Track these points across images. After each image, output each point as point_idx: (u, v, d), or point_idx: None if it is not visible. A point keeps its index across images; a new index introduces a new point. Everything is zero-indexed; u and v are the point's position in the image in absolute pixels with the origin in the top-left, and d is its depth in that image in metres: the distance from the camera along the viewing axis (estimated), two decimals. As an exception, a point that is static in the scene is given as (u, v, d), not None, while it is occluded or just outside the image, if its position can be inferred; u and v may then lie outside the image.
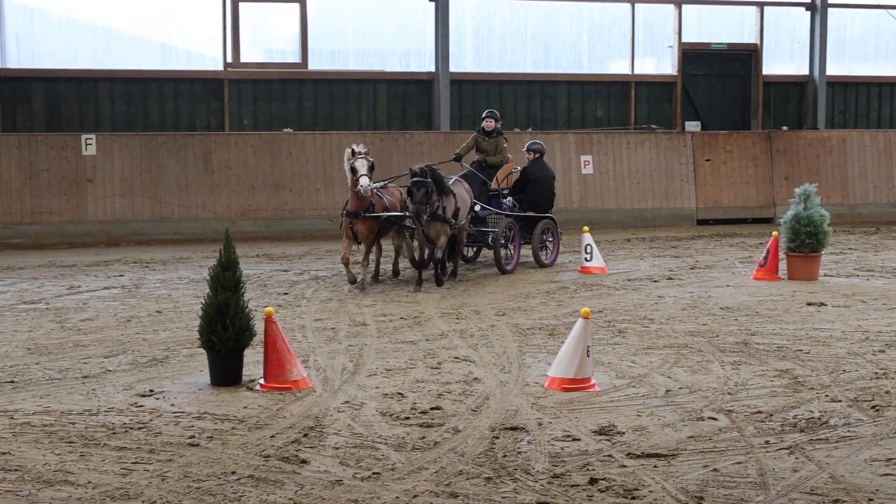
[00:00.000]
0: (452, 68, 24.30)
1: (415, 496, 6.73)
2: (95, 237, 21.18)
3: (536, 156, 17.04)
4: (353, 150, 14.55)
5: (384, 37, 24.59)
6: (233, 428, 8.27)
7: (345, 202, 15.20)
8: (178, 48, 23.67)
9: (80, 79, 22.82)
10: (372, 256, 15.55)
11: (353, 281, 14.79)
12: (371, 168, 14.53)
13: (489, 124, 17.10)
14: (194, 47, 23.67)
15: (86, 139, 21.57)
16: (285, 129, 23.25)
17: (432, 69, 24.33)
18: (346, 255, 14.80)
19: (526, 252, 17.39)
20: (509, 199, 16.91)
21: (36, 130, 22.38)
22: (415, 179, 14.27)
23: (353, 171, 14.45)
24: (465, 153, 17.20)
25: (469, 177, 16.45)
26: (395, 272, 16.06)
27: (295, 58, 23.92)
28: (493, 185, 16.99)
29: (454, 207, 14.94)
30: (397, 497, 6.72)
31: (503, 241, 16.22)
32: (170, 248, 20.23)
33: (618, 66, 26.00)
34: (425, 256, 15.11)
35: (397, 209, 15.21)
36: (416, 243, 15.61)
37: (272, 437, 8.02)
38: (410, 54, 24.64)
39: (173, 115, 23.32)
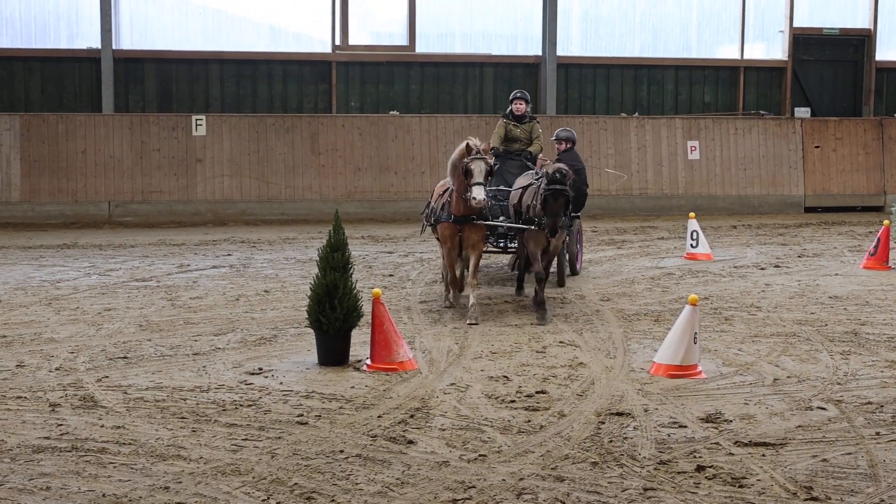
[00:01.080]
0: (559, 52, 24.17)
1: (521, 479, 6.75)
2: (204, 216, 21.57)
3: (568, 145, 14.50)
4: (468, 144, 11.55)
5: (491, 20, 24.55)
6: (340, 407, 8.38)
7: (436, 202, 12.45)
8: (287, 30, 23.94)
9: (191, 60, 23.23)
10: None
11: (451, 306, 12.39)
12: (489, 174, 11.61)
13: (519, 107, 14.51)
14: (303, 30, 23.91)
15: (196, 120, 21.97)
16: (391, 112, 23.38)
17: (539, 53, 24.24)
18: (455, 273, 12.34)
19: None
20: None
21: (148, 111, 22.87)
22: (553, 188, 11.33)
23: (468, 173, 11.47)
24: (499, 144, 14.50)
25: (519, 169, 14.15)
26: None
27: (402, 41, 24.02)
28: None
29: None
30: (504, 479, 6.74)
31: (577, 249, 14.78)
32: (276, 229, 20.51)
33: (727, 51, 25.59)
34: (523, 267, 13.25)
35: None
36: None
37: (379, 417, 8.10)
38: (517, 38, 24.56)
39: (281, 96, 23.62)
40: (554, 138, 14.62)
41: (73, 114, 22.03)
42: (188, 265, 15.93)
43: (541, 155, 14.04)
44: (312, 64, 23.70)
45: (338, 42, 23.73)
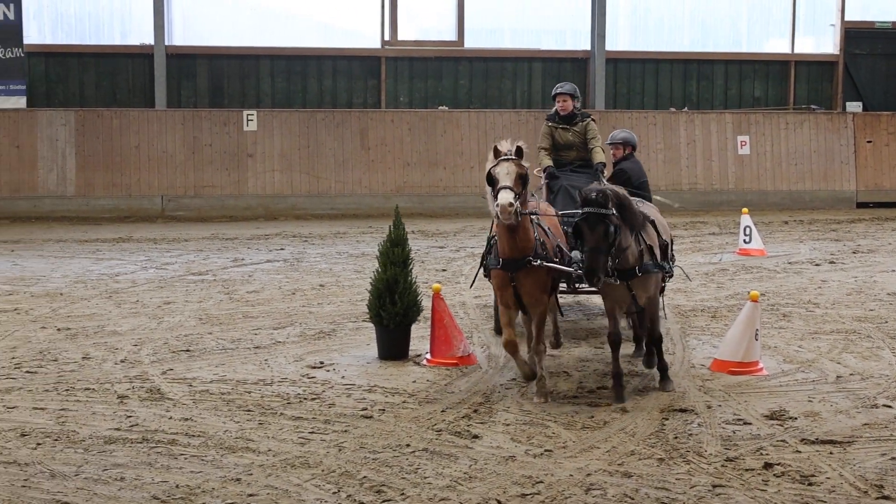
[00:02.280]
0: (608, 46, 24.11)
1: (588, 475, 6.78)
2: (255, 211, 21.73)
3: (628, 151, 11.55)
4: (496, 147, 8.62)
5: (540, 15, 24.53)
6: (403, 401, 8.44)
7: (487, 241, 9.38)
8: (337, 26, 24.05)
9: (242, 56, 23.40)
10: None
11: (530, 376, 8.92)
12: (522, 179, 8.42)
13: (565, 105, 11.43)
14: (353, 25, 24.01)
15: (247, 115, 22.14)
16: (441, 107, 23.44)
17: (588, 47, 24.20)
18: (512, 334, 8.78)
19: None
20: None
21: (200, 106, 23.05)
22: (587, 210, 8.11)
23: (492, 180, 8.44)
24: (549, 157, 11.52)
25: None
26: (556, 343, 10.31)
27: (451, 36, 24.08)
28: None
29: (660, 243, 9.01)
30: (571, 475, 6.78)
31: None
32: (326, 223, 20.62)
33: (777, 45, 25.42)
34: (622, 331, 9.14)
35: (560, 236, 9.32)
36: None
37: (443, 411, 8.16)
38: (566, 32, 24.53)
39: (331, 92, 23.74)
40: (609, 142, 11.57)
41: (127, 109, 22.28)
42: (242, 259, 16.06)
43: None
44: (362, 59, 23.80)
45: (387, 37, 23.82)
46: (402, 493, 6.50)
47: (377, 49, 23.78)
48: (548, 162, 11.36)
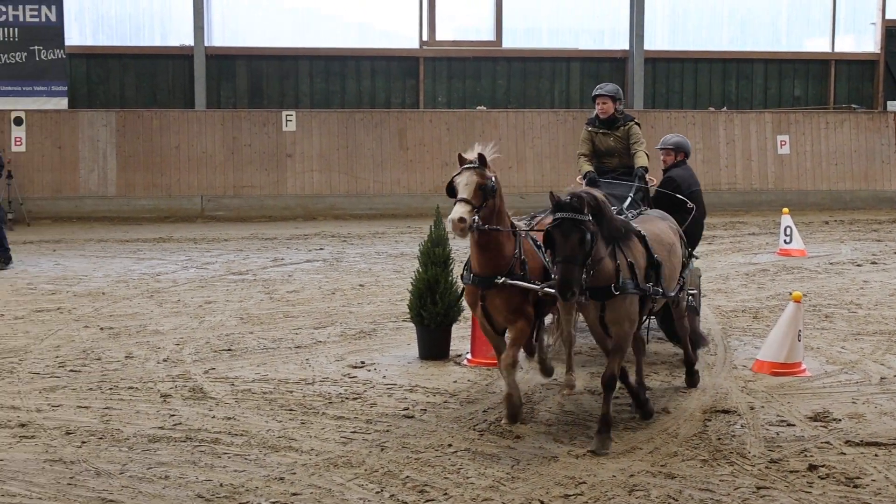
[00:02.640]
0: (646, 46, 24.04)
1: (631, 475, 6.76)
2: (294, 211, 21.82)
3: (681, 157, 10.44)
4: (460, 155, 7.92)
5: (578, 14, 24.48)
6: (445, 401, 8.45)
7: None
8: (375, 27, 24.12)
9: (281, 57, 23.51)
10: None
11: (514, 412, 7.89)
12: (484, 190, 7.62)
13: (605, 108, 10.42)
14: (391, 26, 24.06)
15: (286, 115, 22.25)
16: (479, 107, 23.44)
17: (626, 47, 24.13)
18: (510, 356, 7.95)
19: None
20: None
21: (239, 107, 23.18)
22: (560, 216, 7.14)
23: (452, 191, 7.75)
24: (590, 164, 10.53)
25: (619, 199, 9.91)
26: (544, 369, 9.05)
27: (489, 36, 24.07)
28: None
29: (648, 262, 7.82)
30: (614, 476, 6.76)
31: (695, 303, 9.61)
32: (365, 223, 20.67)
33: (817, 44, 25.24)
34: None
35: None
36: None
37: (484, 411, 8.16)
38: (604, 32, 24.47)
39: (370, 92, 23.80)
40: (660, 146, 10.47)
41: (167, 110, 22.44)
42: (282, 259, 16.13)
43: (648, 175, 10.29)
44: (400, 60, 23.85)
45: (425, 38, 23.86)
46: (445, 493, 6.51)
47: (415, 49, 23.82)
48: (587, 167, 10.41)
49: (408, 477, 6.78)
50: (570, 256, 7.01)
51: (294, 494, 6.50)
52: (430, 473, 6.85)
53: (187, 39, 23.04)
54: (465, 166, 7.70)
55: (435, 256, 9.77)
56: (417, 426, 7.82)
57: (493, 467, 6.93)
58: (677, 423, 7.85)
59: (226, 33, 23.49)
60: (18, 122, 21.41)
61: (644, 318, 8.12)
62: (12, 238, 18.00)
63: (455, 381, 9.04)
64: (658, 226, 8.39)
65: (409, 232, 18.95)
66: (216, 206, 21.83)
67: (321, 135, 22.21)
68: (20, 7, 21.95)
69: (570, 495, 6.46)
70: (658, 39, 24.59)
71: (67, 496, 6.46)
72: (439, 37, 23.93)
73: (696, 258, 10.04)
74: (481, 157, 7.66)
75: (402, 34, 24.04)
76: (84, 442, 7.43)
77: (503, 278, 7.75)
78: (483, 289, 7.84)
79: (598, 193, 7.41)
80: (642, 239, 7.80)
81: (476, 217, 7.54)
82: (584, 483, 6.64)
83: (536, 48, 24.23)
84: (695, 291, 9.52)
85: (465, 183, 7.62)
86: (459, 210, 7.51)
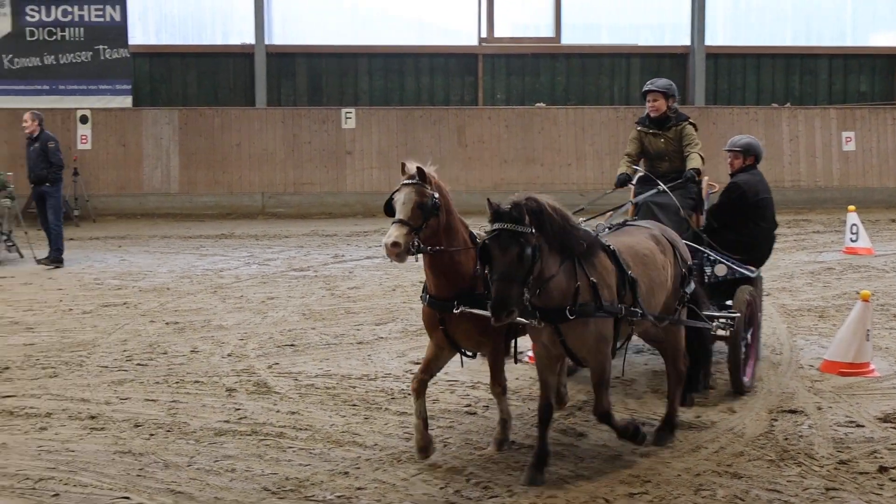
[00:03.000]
0: (708, 41, 23.82)
1: (697, 475, 6.71)
2: (353, 208, 21.90)
3: (749, 161, 9.43)
4: (403, 165, 7.07)
5: (638, 10, 24.31)
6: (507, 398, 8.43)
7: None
8: (433, 24, 24.12)
9: (340, 54, 23.59)
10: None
11: (424, 446, 7.09)
12: (424, 210, 6.83)
13: (655, 105, 9.46)
14: (450, 23, 24.06)
15: (345, 113, 22.35)
16: (538, 104, 23.37)
17: (687, 42, 23.92)
18: (420, 377, 7.32)
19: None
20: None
21: (299, 104, 23.30)
22: (497, 227, 6.35)
23: (390, 211, 6.94)
24: (631, 169, 9.61)
25: (663, 207, 9.06)
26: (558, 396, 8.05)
27: (548, 32, 23.99)
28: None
29: (620, 280, 6.89)
30: (679, 475, 6.71)
31: (743, 333, 8.57)
32: (424, 220, 20.62)
33: (883, 39, 24.85)
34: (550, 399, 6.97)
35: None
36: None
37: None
38: (665, 28, 24.28)
39: (428, 89, 23.82)
40: (728, 148, 9.47)
41: (228, 108, 22.64)
42: (342, 255, 16.21)
43: (706, 179, 9.49)
44: (459, 57, 23.84)
45: (483, 34, 23.83)
46: (509, 490, 6.50)
47: (474, 46, 23.80)
48: (623, 168, 9.51)
49: (471, 473, 6.78)
50: (508, 273, 6.19)
51: (359, 489, 6.53)
52: (494, 470, 6.84)
53: (248, 38, 23.19)
54: (404, 182, 6.91)
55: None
56: (480, 423, 7.83)
57: (556, 465, 6.90)
58: (743, 422, 7.77)
59: (286, 31, 23.63)
60: (84, 120, 21.71)
61: (622, 342, 7.06)
62: (78, 234, 18.31)
63: (517, 378, 9.02)
64: (635, 237, 7.37)
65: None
66: (277, 203, 21.98)
67: (380, 132, 22.28)
68: (85, 7, 22.24)
69: (635, 494, 6.43)
70: (720, 35, 24.34)
71: (137, 487, 6.54)
72: (498, 33, 23.89)
73: (753, 273, 8.99)
74: (420, 171, 6.83)
75: (460, 31, 24.03)
76: (152, 434, 7.52)
77: (461, 307, 6.93)
78: (441, 312, 7.11)
79: (547, 200, 6.52)
80: (612, 254, 6.87)
81: (415, 240, 6.79)
82: (649, 482, 6.60)
83: (595, 44, 24.09)
84: (736, 315, 8.40)
85: (403, 202, 6.82)
86: (394, 233, 6.75)
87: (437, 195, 6.88)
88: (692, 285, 7.66)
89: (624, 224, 7.83)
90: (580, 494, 6.42)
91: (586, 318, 6.52)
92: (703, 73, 23.70)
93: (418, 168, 6.86)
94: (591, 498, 6.37)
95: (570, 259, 6.54)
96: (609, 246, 6.91)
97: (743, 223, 9.00)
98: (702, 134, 9.94)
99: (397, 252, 6.77)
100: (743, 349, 8.47)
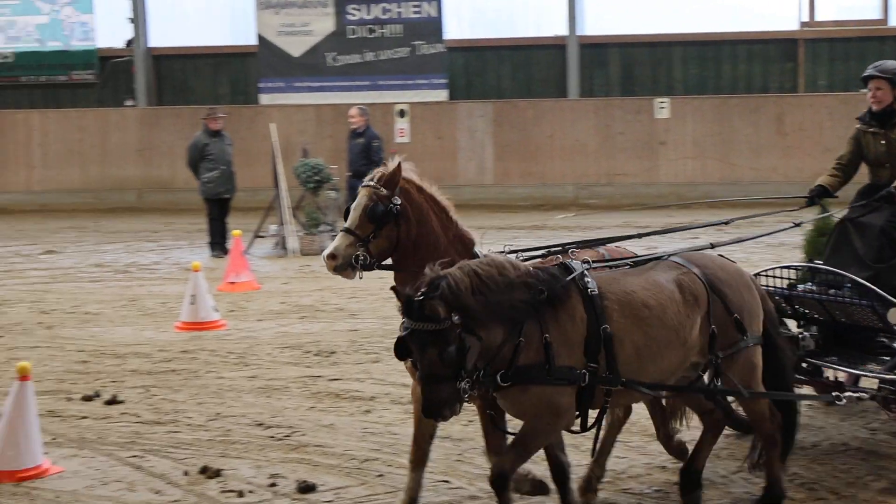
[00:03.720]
0: None
1: None
2: (667, 199, 21.58)
3: None
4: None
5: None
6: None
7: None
8: (750, 9, 23.41)
9: (653, 43, 23.31)
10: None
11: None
12: (377, 217, 5.99)
13: (878, 95, 7.42)
14: (768, 8, 23.27)
15: (659, 102, 22.10)
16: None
17: None
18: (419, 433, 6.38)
19: None
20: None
21: (612, 95, 23.22)
22: (407, 326, 5.28)
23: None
24: (838, 180, 8.08)
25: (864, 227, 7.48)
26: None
27: (875, 14, 22.78)
28: None
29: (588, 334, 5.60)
30: None
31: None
32: (740, 211, 20.07)
33: None
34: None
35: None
36: None
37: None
38: None
39: (745, 77, 23.15)
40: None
41: (541, 99, 22.87)
42: (655, 248, 15.90)
43: None
44: (777, 42, 23.03)
45: (804, 18, 22.92)
46: (835, 493, 6.22)
47: (794, 31, 22.92)
48: (823, 178, 8.15)
49: (795, 473, 6.55)
50: (433, 375, 5.20)
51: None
52: (819, 472, 6.58)
53: (560, 30, 23.31)
54: (364, 183, 6.04)
55: (820, 245, 9.30)
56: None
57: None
58: None
59: (598, 22, 23.59)
60: (402, 114, 22.54)
61: (596, 417, 5.77)
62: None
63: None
64: (647, 279, 5.83)
65: (786, 221, 18.25)
66: (589, 194, 22.02)
67: (695, 121, 21.89)
68: (404, 4, 23.06)
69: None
70: None
71: (456, 472, 6.71)
72: (820, 17, 22.90)
73: None
74: (385, 171, 5.98)
75: (779, 15, 23.17)
76: (470, 420, 7.66)
77: None
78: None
79: (472, 268, 5.35)
80: (590, 299, 5.55)
81: (360, 253, 5.87)
82: None
83: (931, 25, 22.71)
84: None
85: (353, 206, 5.97)
86: (335, 243, 5.91)
87: (398, 201, 5.94)
88: (748, 343, 5.95)
89: (655, 258, 6.16)
90: None
91: (523, 386, 5.40)
92: None
93: (380, 175, 5.96)
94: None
95: (527, 316, 5.40)
96: (589, 289, 5.59)
97: None
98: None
99: (335, 265, 5.85)
100: None
